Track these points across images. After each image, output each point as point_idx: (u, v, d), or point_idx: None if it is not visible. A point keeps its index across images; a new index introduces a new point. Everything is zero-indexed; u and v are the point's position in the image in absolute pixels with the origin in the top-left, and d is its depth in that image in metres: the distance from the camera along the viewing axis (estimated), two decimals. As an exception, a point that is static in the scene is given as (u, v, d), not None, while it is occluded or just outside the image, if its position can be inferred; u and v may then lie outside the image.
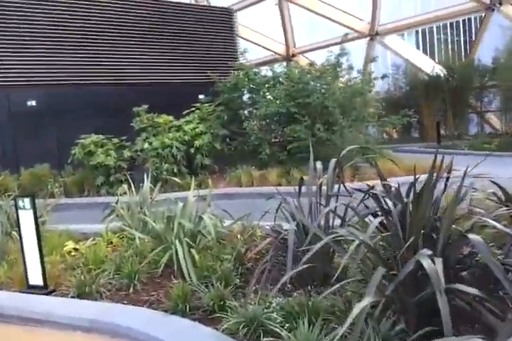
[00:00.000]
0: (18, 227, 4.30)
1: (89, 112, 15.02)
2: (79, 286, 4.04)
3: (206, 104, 11.27)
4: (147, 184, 6.07)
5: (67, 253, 5.25)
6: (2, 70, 13.53)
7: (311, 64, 10.56)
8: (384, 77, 11.42)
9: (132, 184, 6.44)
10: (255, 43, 26.53)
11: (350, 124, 9.85)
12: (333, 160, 3.77)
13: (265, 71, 11.89)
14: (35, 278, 4.24)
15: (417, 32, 37.65)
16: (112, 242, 5.67)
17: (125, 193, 6.46)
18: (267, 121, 10.85)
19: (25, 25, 13.91)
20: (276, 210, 4.17)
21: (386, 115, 11.11)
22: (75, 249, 5.45)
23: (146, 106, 10.86)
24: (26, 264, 4.31)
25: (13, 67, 13.70)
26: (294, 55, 23.30)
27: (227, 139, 11.37)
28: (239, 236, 5.37)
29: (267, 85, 10.64)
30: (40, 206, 6.57)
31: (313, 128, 9.66)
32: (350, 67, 10.63)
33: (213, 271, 3.98)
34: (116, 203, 6.01)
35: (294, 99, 9.83)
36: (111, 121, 14.03)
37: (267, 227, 5.52)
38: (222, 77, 12.19)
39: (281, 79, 10.71)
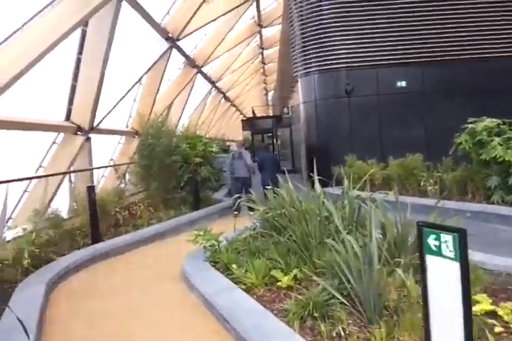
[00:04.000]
0: (423, 275, 2.13)
1: (469, 92, 12.21)
2: None
3: None
4: None
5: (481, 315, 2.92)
6: (373, 48, 12.55)
7: None
8: None
9: None
10: None
11: None
12: None
13: None
14: None
15: None
16: None
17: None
18: None
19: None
20: None
21: None
22: (494, 314, 3.05)
23: None
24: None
25: (384, 44, 12.55)
26: None
27: None
28: None
29: None
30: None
31: None
32: None
33: None
34: None
35: None
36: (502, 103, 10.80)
37: None
38: None
39: None
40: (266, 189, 5.81)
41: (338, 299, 3.28)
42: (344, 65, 12.67)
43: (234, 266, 4.27)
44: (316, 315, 3.13)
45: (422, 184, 8.31)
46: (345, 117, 12.82)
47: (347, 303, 3.24)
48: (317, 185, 4.76)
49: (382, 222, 4.03)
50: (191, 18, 14.54)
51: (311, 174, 5.18)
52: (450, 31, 12.43)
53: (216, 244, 4.87)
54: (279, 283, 3.96)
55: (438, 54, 12.48)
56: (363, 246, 3.31)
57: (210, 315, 3.77)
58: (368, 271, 3.17)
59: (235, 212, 7.25)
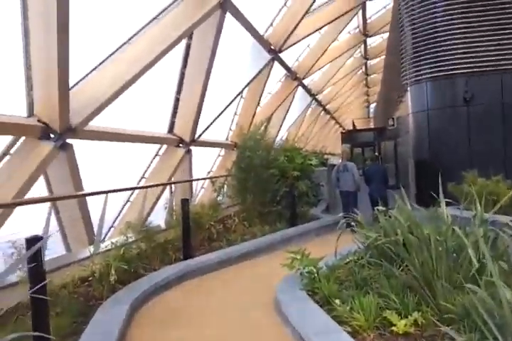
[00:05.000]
0: None
1: None
2: None
3: None
4: None
5: None
6: (496, 51, 11.03)
7: None
8: None
9: None
10: None
11: None
12: None
13: None
14: None
15: None
16: None
17: None
18: None
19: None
20: None
21: None
22: None
23: None
24: None
25: (509, 45, 10.99)
26: None
27: None
28: None
29: None
30: None
31: None
32: None
33: None
34: None
35: None
36: None
37: None
38: None
39: None
40: (374, 209, 5.03)
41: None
42: (462, 71, 11.31)
43: (337, 301, 3.57)
44: (451, 385, 2.33)
45: None
46: (463, 128, 11.38)
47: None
48: (444, 207, 3.89)
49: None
50: (294, 29, 14.21)
51: (432, 193, 4.30)
52: None
53: (315, 271, 4.21)
54: (393, 328, 3.18)
55: None
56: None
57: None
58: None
59: (352, 229, 5.72)
